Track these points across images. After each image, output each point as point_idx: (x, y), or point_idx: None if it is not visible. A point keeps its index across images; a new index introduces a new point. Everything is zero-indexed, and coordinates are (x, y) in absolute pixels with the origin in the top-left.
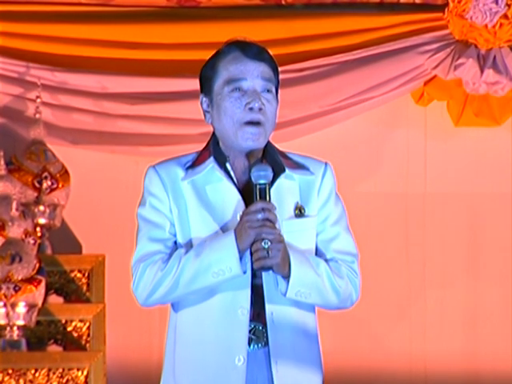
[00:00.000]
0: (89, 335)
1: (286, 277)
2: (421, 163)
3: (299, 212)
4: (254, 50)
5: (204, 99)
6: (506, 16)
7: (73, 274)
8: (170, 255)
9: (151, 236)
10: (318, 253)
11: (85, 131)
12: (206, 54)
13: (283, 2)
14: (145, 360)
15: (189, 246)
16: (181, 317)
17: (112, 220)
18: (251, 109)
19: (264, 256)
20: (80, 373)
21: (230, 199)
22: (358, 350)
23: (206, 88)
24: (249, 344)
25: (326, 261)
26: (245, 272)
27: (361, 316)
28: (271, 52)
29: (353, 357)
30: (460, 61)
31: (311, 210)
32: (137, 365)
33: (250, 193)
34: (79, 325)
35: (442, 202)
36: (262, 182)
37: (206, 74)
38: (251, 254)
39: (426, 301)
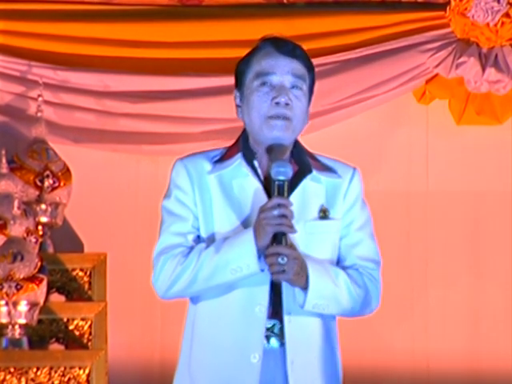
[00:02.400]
0: (90, 334)
1: (304, 289)
2: (423, 162)
3: (323, 214)
4: (287, 47)
5: (237, 94)
6: (507, 15)
7: (74, 273)
8: (191, 249)
9: (174, 229)
10: (340, 257)
11: (87, 130)
12: (208, 53)
13: (285, 1)
14: (147, 358)
15: (211, 239)
16: (199, 310)
17: (114, 218)
18: (278, 103)
19: (278, 271)
20: (82, 371)
21: (254, 195)
22: (360, 348)
23: (238, 82)
24: (268, 341)
25: (347, 268)
26: (262, 270)
27: None
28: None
29: (355, 356)
30: (462, 59)
31: (336, 214)
32: (139, 363)
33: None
34: (81, 323)
35: (444, 200)
36: (280, 178)
37: (240, 69)
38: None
39: (428, 299)
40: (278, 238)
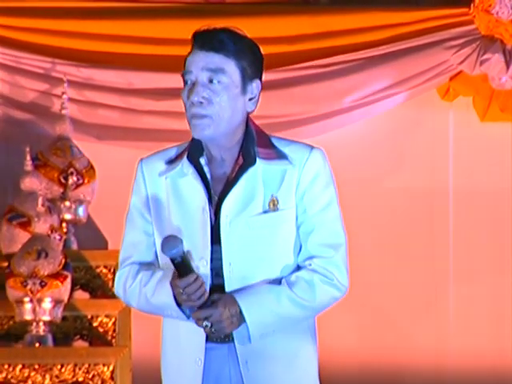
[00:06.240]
0: (114, 330)
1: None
2: (446, 159)
3: (272, 206)
4: (204, 40)
5: None
6: None
7: (98, 270)
8: (141, 266)
9: (128, 239)
10: (300, 246)
11: (110, 127)
12: None
13: None
14: None
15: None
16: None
17: None
18: (192, 103)
19: (210, 332)
20: (106, 368)
21: (195, 194)
22: (383, 345)
23: None
24: (218, 340)
25: (301, 266)
26: (189, 317)
27: (386, 312)
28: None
29: (378, 353)
30: (486, 56)
31: (287, 203)
32: None
33: (221, 185)
34: (105, 320)
35: (468, 197)
36: (172, 258)
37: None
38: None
39: (451, 297)
40: None
